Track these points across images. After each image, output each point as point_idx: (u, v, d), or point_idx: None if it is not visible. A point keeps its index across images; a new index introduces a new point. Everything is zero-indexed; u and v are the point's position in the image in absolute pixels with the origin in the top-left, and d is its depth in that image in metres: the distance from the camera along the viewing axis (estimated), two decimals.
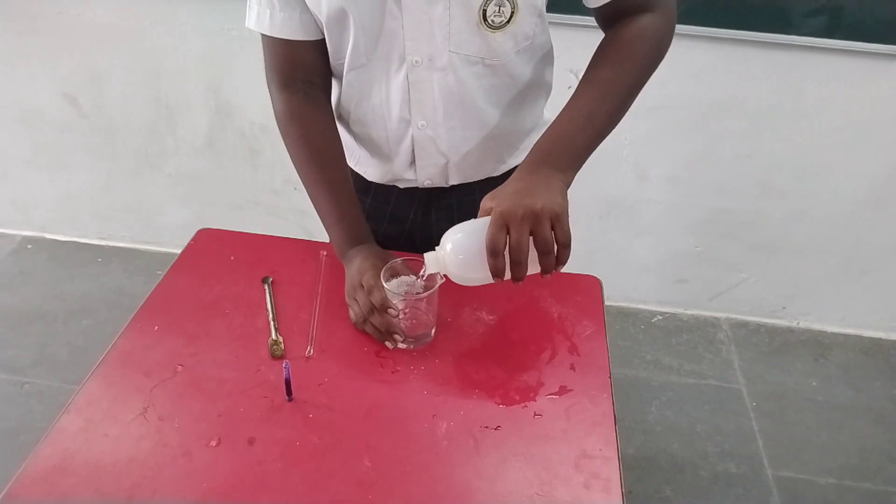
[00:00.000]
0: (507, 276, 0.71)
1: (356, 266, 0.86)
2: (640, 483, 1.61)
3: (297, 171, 0.93)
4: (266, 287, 0.92)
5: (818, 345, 2.02)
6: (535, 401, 0.78)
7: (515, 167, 0.99)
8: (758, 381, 1.89)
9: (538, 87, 0.95)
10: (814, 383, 1.90)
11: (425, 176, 0.97)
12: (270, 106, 0.93)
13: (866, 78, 1.62)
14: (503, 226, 0.69)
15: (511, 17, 0.81)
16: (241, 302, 0.89)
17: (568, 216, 0.71)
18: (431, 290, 0.80)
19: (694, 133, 1.76)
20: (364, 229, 0.92)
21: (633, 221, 1.93)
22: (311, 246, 1.00)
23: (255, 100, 1.83)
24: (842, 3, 1.50)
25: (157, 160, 2.05)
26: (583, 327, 0.88)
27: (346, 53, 0.86)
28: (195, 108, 1.92)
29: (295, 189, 2.02)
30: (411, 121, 0.90)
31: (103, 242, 2.25)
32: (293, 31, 0.86)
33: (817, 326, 2.07)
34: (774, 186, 1.83)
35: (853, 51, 1.57)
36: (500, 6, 0.79)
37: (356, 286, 0.84)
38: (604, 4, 0.83)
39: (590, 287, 0.96)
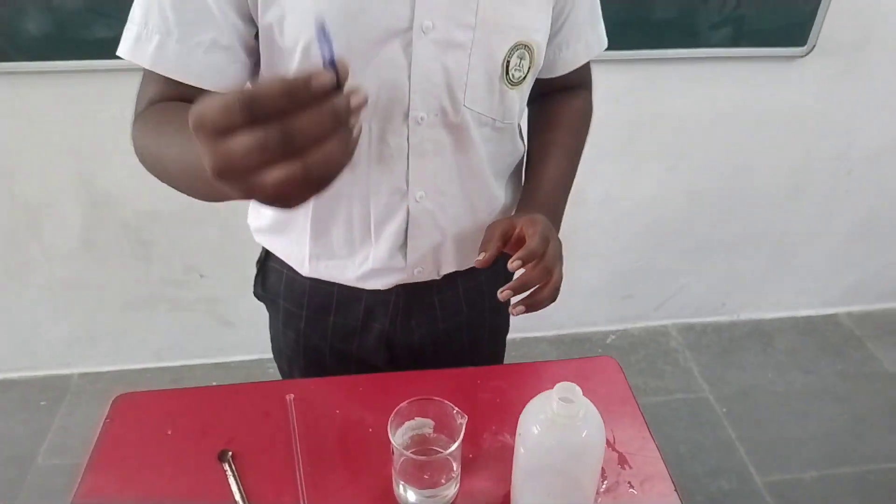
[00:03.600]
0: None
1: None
2: None
3: (152, 161, 0.59)
4: (227, 467, 0.71)
5: (761, 333, 2.05)
6: None
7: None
8: (720, 385, 1.88)
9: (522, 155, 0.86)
10: (769, 375, 1.91)
11: (416, 261, 0.78)
12: (160, 191, 0.62)
13: (771, 79, 1.64)
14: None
15: (528, 72, 0.71)
16: (196, 495, 0.68)
17: None
18: (457, 444, 0.63)
19: (622, 152, 1.71)
20: None
21: (575, 246, 1.84)
22: (271, 390, 0.80)
23: (140, 186, 1.56)
24: (743, 13, 1.50)
25: (21, 272, 1.71)
26: (621, 427, 0.75)
27: None
28: (63, 206, 1.61)
29: (202, 277, 1.76)
30: (408, 192, 0.72)
31: None
32: (193, 73, 0.61)
33: (756, 315, 2.10)
34: (701, 191, 1.82)
35: (757, 56, 1.58)
36: (521, 59, 0.69)
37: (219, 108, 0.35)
38: (560, 76, 0.80)
39: (608, 372, 0.83)
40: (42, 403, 1.81)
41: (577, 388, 0.58)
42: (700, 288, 2.02)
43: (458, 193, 0.75)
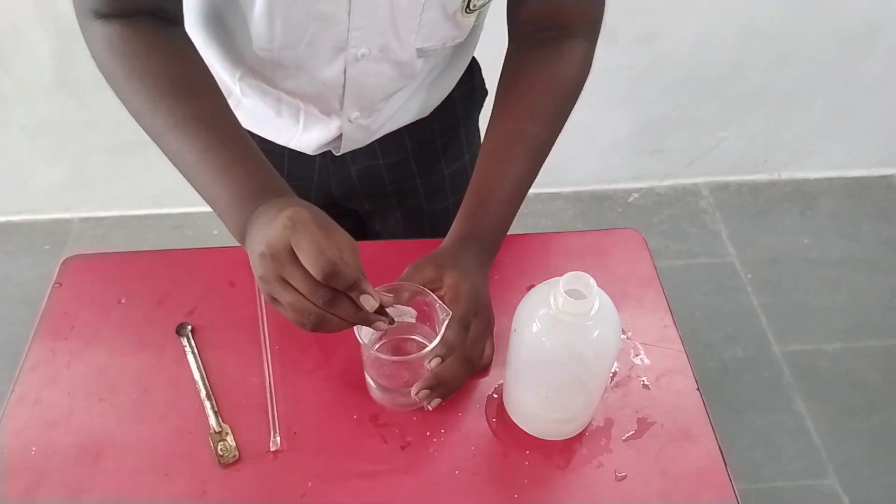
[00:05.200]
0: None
1: (266, 220, 0.48)
2: None
3: (139, 119, 0.57)
4: (185, 342, 0.62)
5: (803, 195, 1.89)
6: (610, 452, 0.55)
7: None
8: (748, 249, 1.76)
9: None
10: (805, 240, 1.78)
11: (346, 149, 0.74)
12: None
13: None
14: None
15: None
16: (150, 372, 0.61)
17: None
18: (435, 342, 0.52)
19: None
20: (274, 176, 0.55)
21: (600, 94, 1.64)
22: (238, 256, 0.70)
23: None
24: None
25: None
26: (639, 314, 0.65)
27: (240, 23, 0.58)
28: (28, 38, 1.43)
29: None
30: (342, 114, 0.68)
31: None
32: None
33: (800, 175, 1.92)
34: (758, 28, 1.56)
35: None
36: None
37: (278, 252, 0.45)
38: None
39: (630, 246, 0.71)
40: (46, 248, 1.77)
41: (591, 281, 0.46)
42: (740, 143, 1.83)
43: (397, 102, 0.70)
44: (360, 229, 0.86)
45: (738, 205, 1.87)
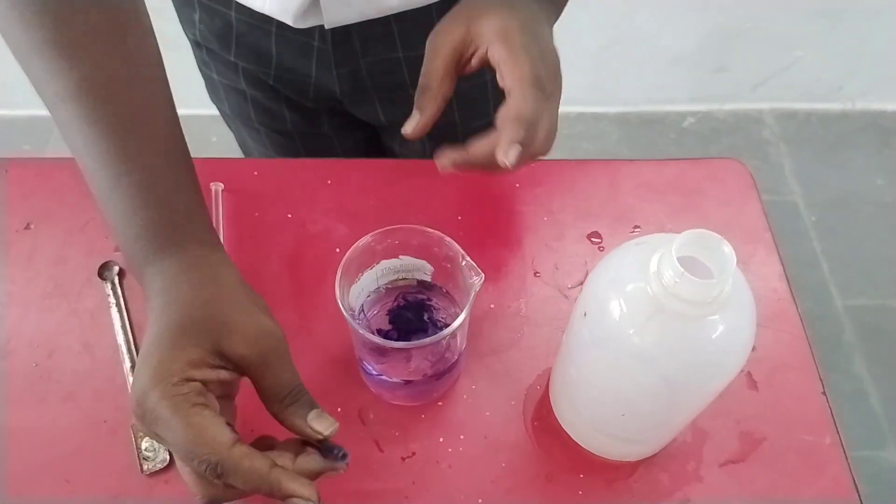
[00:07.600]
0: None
1: (142, 359, 0.31)
2: None
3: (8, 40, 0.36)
4: (108, 288, 0.45)
5: (880, 130, 1.64)
6: (700, 481, 0.38)
7: None
8: (815, 189, 1.54)
9: None
10: (879, 182, 1.55)
11: (333, 18, 0.50)
12: None
13: None
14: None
15: None
16: (58, 330, 0.44)
17: None
18: (460, 319, 0.34)
19: None
20: (191, 208, 0.37)
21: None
22: (205, 167, 0.52)
23: None
24: None
25: None
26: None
27: None
28: None
29: None
30: None
31: None
32: None
33: (878, 106, 1.66)
34: None
35: None
36: None
37: (144, 420, 0.30)
38: None
39: (731, 184, 0.52)
40: (25, 147, 1.61)
41: (727, 249, 0.27)
42: (816, 65, 1.57)
43: None
44: (375, 148, 0.66)
45: (806, 137, 1.63)
